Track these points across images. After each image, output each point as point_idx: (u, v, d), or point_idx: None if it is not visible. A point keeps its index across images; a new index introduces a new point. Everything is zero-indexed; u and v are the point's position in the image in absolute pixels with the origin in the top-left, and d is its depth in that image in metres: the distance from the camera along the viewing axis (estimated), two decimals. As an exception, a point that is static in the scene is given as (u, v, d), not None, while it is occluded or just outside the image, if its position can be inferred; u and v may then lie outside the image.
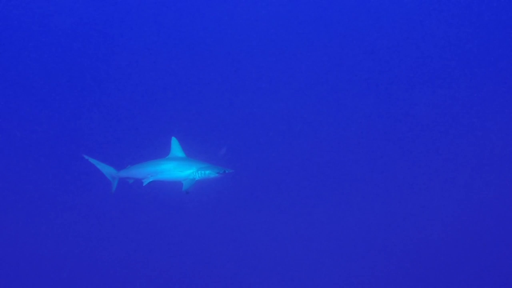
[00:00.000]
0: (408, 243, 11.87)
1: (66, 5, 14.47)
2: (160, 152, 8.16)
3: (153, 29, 14.77)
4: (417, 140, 13.90)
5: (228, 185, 9.91)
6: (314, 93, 14.30)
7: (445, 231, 12.08)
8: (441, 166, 13.30)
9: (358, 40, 14.49)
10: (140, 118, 14.04)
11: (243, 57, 14.64)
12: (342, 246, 11.82)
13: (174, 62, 14.56)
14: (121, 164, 8.25)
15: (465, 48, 14.36)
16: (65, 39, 14.70)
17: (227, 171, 7.85)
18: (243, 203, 12.39)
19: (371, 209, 12.48)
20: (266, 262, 11.57)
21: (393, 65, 14.44)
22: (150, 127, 13.52)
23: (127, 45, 14.74)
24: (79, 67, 14.69)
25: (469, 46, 14.34)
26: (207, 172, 7.73)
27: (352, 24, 14.59)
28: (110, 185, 8.41)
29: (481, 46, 14.33)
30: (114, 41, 14.81)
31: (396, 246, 11.81)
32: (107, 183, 8.43)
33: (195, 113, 13.83)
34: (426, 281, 11.20)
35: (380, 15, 14.46)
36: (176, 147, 8.03)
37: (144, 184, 7.85)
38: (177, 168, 7.80)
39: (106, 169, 8.41)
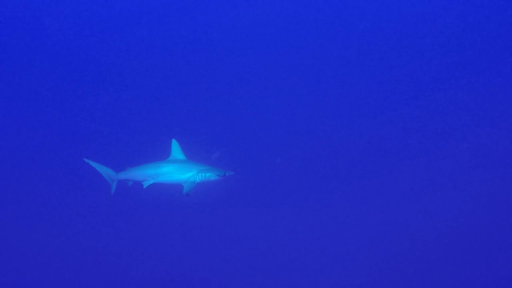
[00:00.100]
0: (409, 244, 11.89)
1: (66, 6, 14.40)
2: (161, 154, 8.13)
3: (154, 31, 14.74)
4: (418, 141, 13.91)
5: (229, 187, 9.89)
6: (315, 94, 14.31)
7: (445, 231, 12.11)
8: (441, 166, 13.33)
9: (358, 40, 14.52)
10: (141, 120, 13.99)
11: (244, 58, 14.63)
12: (343, 248, 11.83)
13: (175, 63, 14.54)
14: (121, 166, 8.21)
15: (466, 48, 14.41)
16: (65, 40, 14.65)
17: (227, 174, 7.83)
18: (244, 205, 12.37)
19: (372, 211, 12.49)
20: (267, 264, 11.56)
21: (393, 65, 14.48)
22: (150, 129, 13.47)
23: (127, 46, 14.70)
24: (79, 68, 14.64)
25: (470, 46, 14.38)
26: (207, 174, 7.70)
27: (352, 24, 14.62)
28: (109, 187, 8.37)
29: (482, 46, 14.38)
30: (114, 42, 14.76)
31: (397, 246, 11.83)
32: (106, 185, 8.38)
33: (195, 115, 13.80)
34: (428, 281, 11.24)
35: (380, 15, 14.50)
36: (176, 149, 8.01)
37: (144, 187, 7.81)
38: (178, 170, 7.77)
39: (105, 171, 8.36)
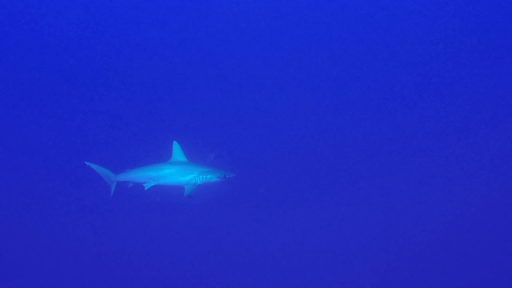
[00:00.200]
0: (410, 245, 11.98)
1: (67, 6, 14.27)
2: (162, 156, 8.12)
3: (154, 32, 14.68)
4: (418, 141, 13.99)
5: (230, 189, 9.91)
6: (316, 95, 14.33)
7: (446, 232, 12.22)
8: (442, 167, 13.43)
9: (358, 41, 14.59)
10: (142, 122, 13.91)
11: (245, 60, 14.63)
12: (343, 248, 11.88)
13: (176, 65, 14.50)
14: (120, 167, 8.17)
15: (467, 48, 14.56)
16: (66, 41, 14.52)
17: (228, 176, 7.85)
18: (245, 207, 12.37)
19: (373, 214, 12.54)
20: (268, 266, 11.59)
21: (393, 66, 14.58)
22: (151, 131, 13.40)
23: (128, 47, 14.63)
24: (79, 70, 14.51)
25: (471, 46, 14.53)
26: (208, 176, 7.71)
27: (352, 24, 14.70)
28: (109, 189, 8.33)
29: (483, 46, 14.53)
30: (114, 43, 14.69)
31: (399, 247, 11.91)
32: (105, 187, 8.34)
33: (196, 117, 13.76)
34: (428, 281, 11.35)
35: (380, 16, 14.60)
36: (177, 151, 8.01)
37: (146, 189, 7.79)
38: (179, 172, 7.77)
39: (104, 173, 8.31)
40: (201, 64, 14.52)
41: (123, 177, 8.18)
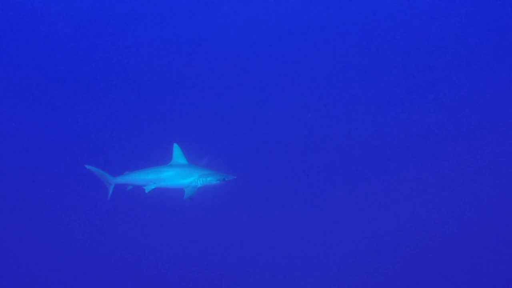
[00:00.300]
0: (410, 245, 11.96)
1: (67, 6, 14.22)
2: (162, 158, 8.09)
3: (155, 35, 14.68)
4: (419, 142, 13.99)
5: (230, 192, 9.87)
6: (317, 96, 14.33)
7: (446, 232, 12.22)
8: (443, 167, 13.44)
9: (358, 41, 14.60)
10: (142, 124, 13.86)
11: (245, 62, 14.63)
12: (343, 249, 11.86)
13: (176, 66, 14.48)
14: (120, 170, 8.13)
15: (466, 48, 14.58)
16: (66, 42, 14.48)
17: (227, 178, 7.84)
18: (246, 209, 12.34)
19: (373, 214, 12.53)
20: (268, 267, 11.55)
21: (393, 66, 14.59)
22: (152, 134, 13.36)
23: (128, 50, 14.62)
24: (79, 71, 14.48)
25: (470, 46, 14.55)
26: (208, 179, 7.72)
27: (352, 24, 14.71)
28: (107, 191, 8.28)
29: (484, 47, 14.57)
30: (115, 44, 14.66)
31: (399, 247, 11.89)
32: (104, 189, 8.29)
33: (197, 119, 13.74)
34: (428, 281, 11.34)
35: (381, 16, 14.62)
36: (178, 154, 8.00)
37: (146, 191, 7.77)
38: (179, 175, 7.78)
39: (102, 175, 8.27)
40: (201, 67, 14.52)
41: (121, 179, 8.16)
